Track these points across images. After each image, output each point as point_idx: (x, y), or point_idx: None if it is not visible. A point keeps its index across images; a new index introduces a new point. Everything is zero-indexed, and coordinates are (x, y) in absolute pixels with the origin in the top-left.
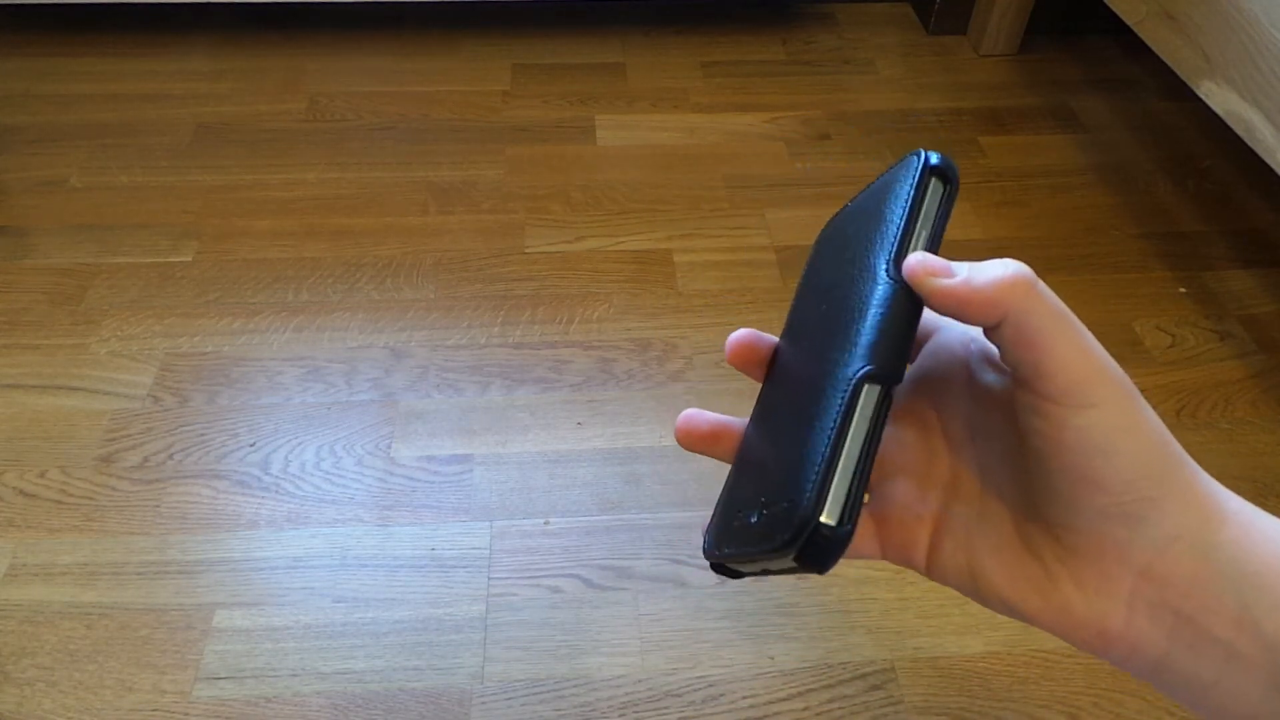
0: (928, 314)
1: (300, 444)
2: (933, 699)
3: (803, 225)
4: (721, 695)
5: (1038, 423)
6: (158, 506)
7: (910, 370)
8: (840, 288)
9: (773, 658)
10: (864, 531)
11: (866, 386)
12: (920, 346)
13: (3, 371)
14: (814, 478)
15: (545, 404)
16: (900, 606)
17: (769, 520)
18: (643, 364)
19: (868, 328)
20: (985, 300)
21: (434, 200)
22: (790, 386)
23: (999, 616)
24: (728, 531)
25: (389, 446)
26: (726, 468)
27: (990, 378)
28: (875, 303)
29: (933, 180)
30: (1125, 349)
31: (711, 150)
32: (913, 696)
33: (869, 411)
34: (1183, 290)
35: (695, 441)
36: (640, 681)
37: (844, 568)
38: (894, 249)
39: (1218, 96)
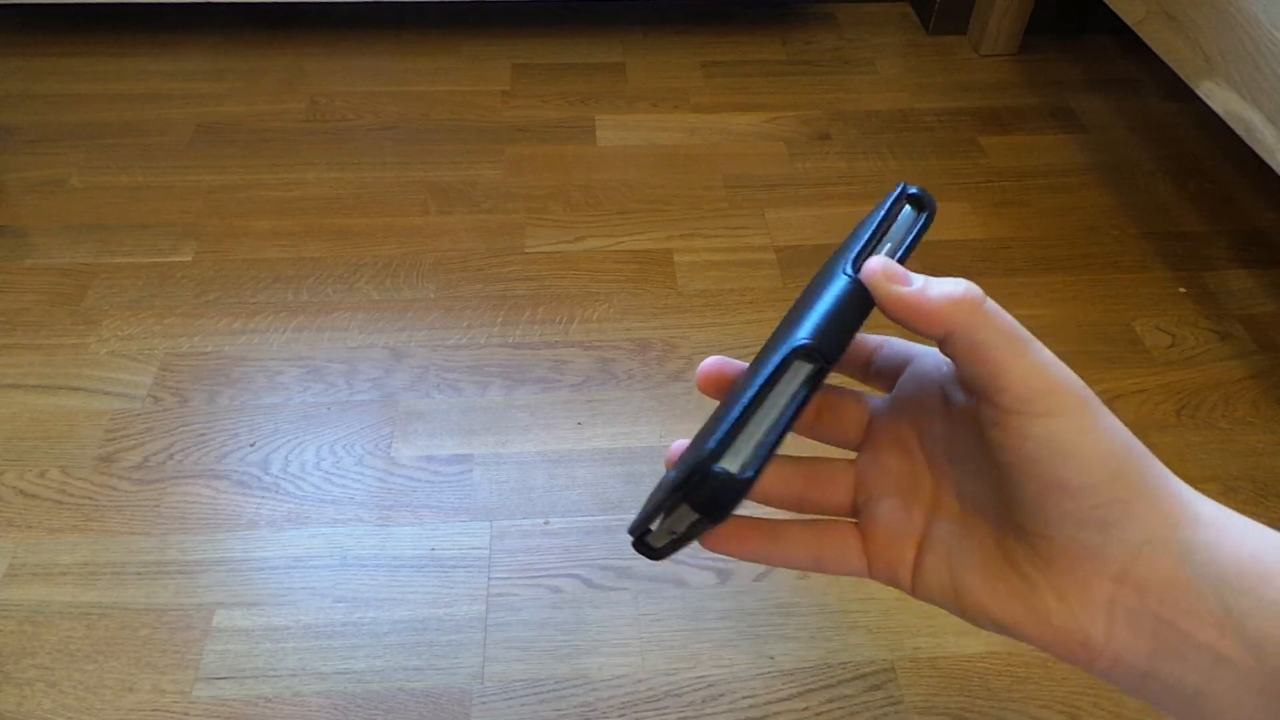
0: (906, 344)
1: (300, 444)
2: (933, 699)
3: (803, 225)
4: (721, 695)
5: (1000, 435)
6: (158, 506)
7: (891, 396)
8: (808, 293)
9: (773, 658)
10: (851, 547)
11: (796, 361)
12: (899, 374)
13: (3, 371)
14: (724, 429)
15: (545, 404)
16: (900, 607)
17: (676, 473)
18: (643, 364)
19: (815, 313)
20: (932, 313)
21: (434, 200)
22: (748, 373)
23: None
24: (648, 501)
25: (389, 446)
26: None
27: (960, 398)
28: (828, 294)
29: (906, 205)
30: (1125, 349)
31: (711, 150)
32: (913, 696)
33: (794, 382)
34: (1183, 290)
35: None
36: (640, 681)
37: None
38: (856, 253)
39: (1218, 96)
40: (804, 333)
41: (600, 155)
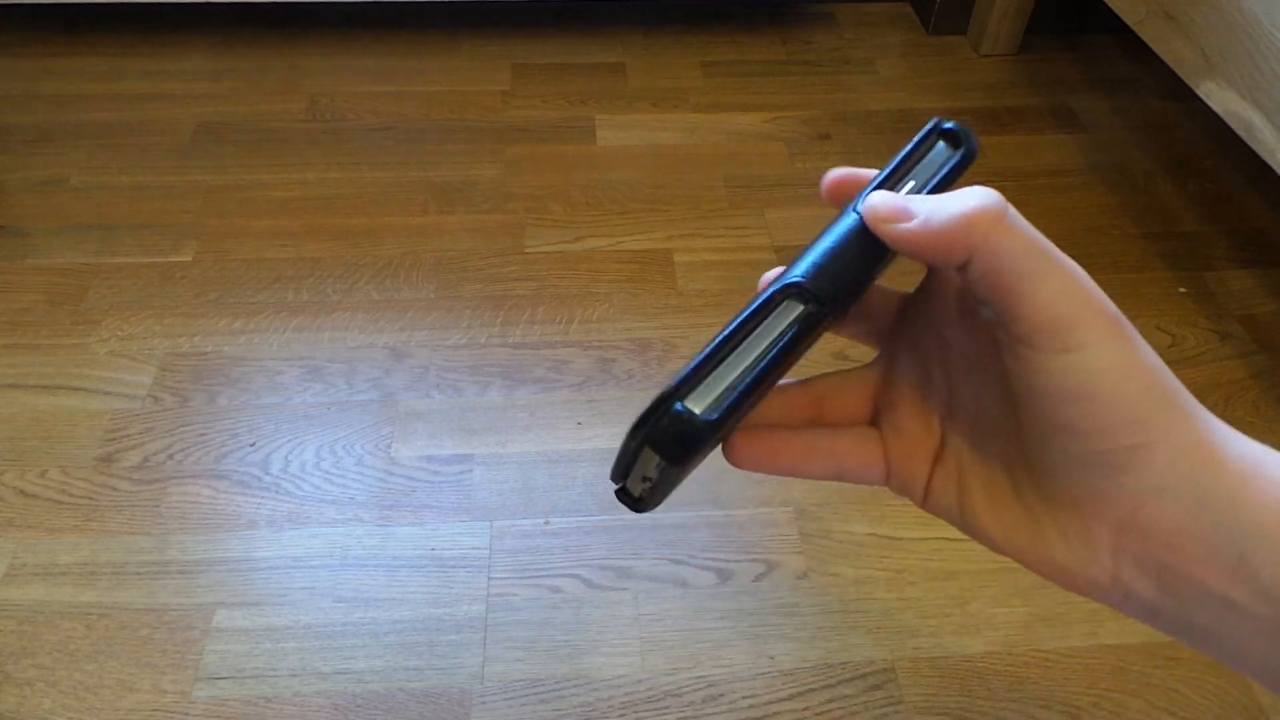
0: None
1: (300, 444)
2: (933, 699)
3: (803, 225)
4: (721, 695)
5: (1012, 364)
6: (158, 506)
7: (910, 295)
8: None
9: (773, 658)
10: (874, 455)
11: (786, 301)
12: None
13: (3, 371)
14: (691, 366)
15: (545, 404)
16: (900, 606)
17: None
18: (643, 364)
19: (815, 250)
20: (946, 241)
21: (434, 200)
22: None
23: (999, 616)
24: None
25: (389, 446)
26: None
27: (985, 309)
28: (833, 231)
29: (940, 141)
30: None
31: (711, 150)
32: (913, 696)
33: (781, 323)
34: (1183, 290)
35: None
36: (640, 681)
37: (844, 567)
38: (869, 190)
39: (1218, 96)
40: (798, 270)
41: (600, 155)
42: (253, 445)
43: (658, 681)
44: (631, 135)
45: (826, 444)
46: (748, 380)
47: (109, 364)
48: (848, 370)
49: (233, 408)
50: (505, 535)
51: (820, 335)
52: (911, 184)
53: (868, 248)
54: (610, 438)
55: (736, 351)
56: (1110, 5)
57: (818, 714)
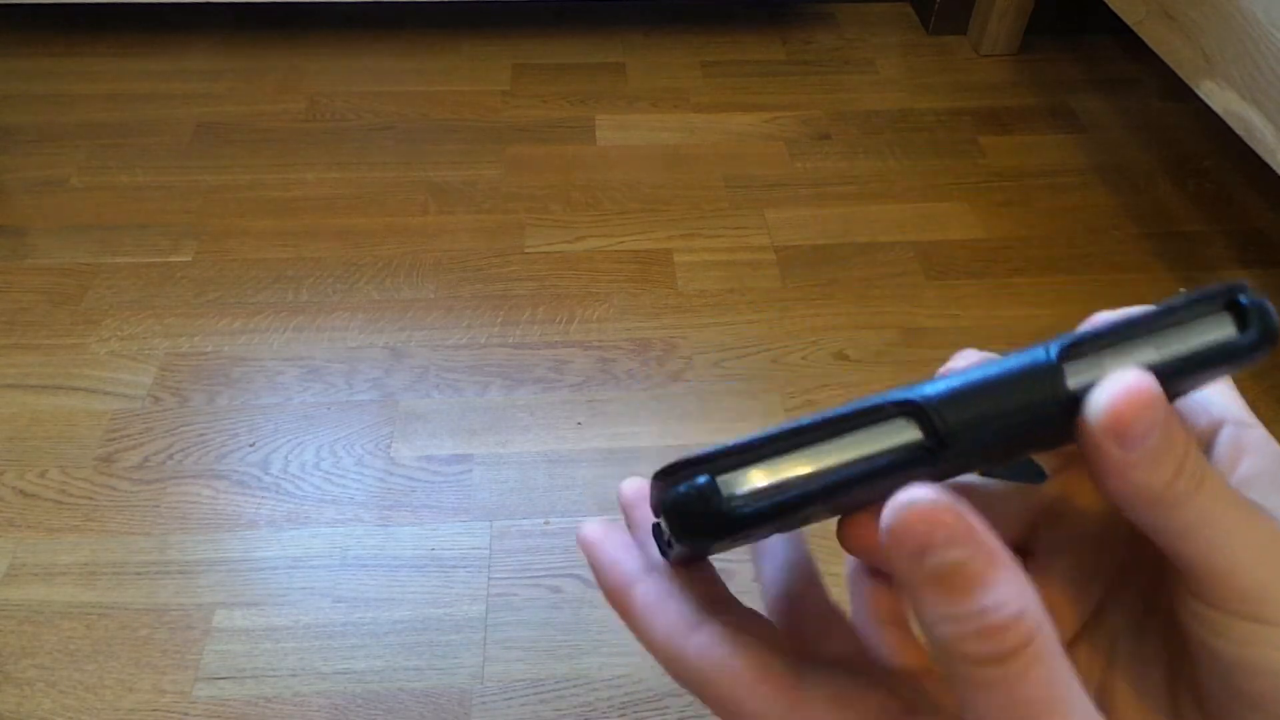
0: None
1: (300, 444)
2: None
3: (803, 225)
4: None
5: (1189, 620)
6: (158, 506)
7: (1069, 473)
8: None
9: None
10: None
11: (900, 418)
12: None
13: (3, 371)
14: (761, 436)
15: (545, 404)
16: None
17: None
18: (643, 364)
19: (970, 376)
20: (1151, 511)
21: (434, 200)
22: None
23: None
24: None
25: (389, 446)
26: None
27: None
28: (1006, 363)
29: (1222, 311)
30: None
31: (711, 150)
32: None
33: (881, 442)
34: (1183, 290)
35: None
36: (640, 681)
37: (843, 567)
38: (1087, 334)
39: (1218, 96)
40: (934, 389)
41: (600, 155)
42: (253, 445)
43: (658, 681)
44: (631, 135)
45: None
46: (813, 487)
47: (109, 364)
48: (1003, 486)
49: (233, 408)
50: (505, 535)
51: (931, 479)
52: (1152, 352)
53: (1035, 393)
54: (610, 438)
55: (815, 447)
56: (1110, 5)
57: None
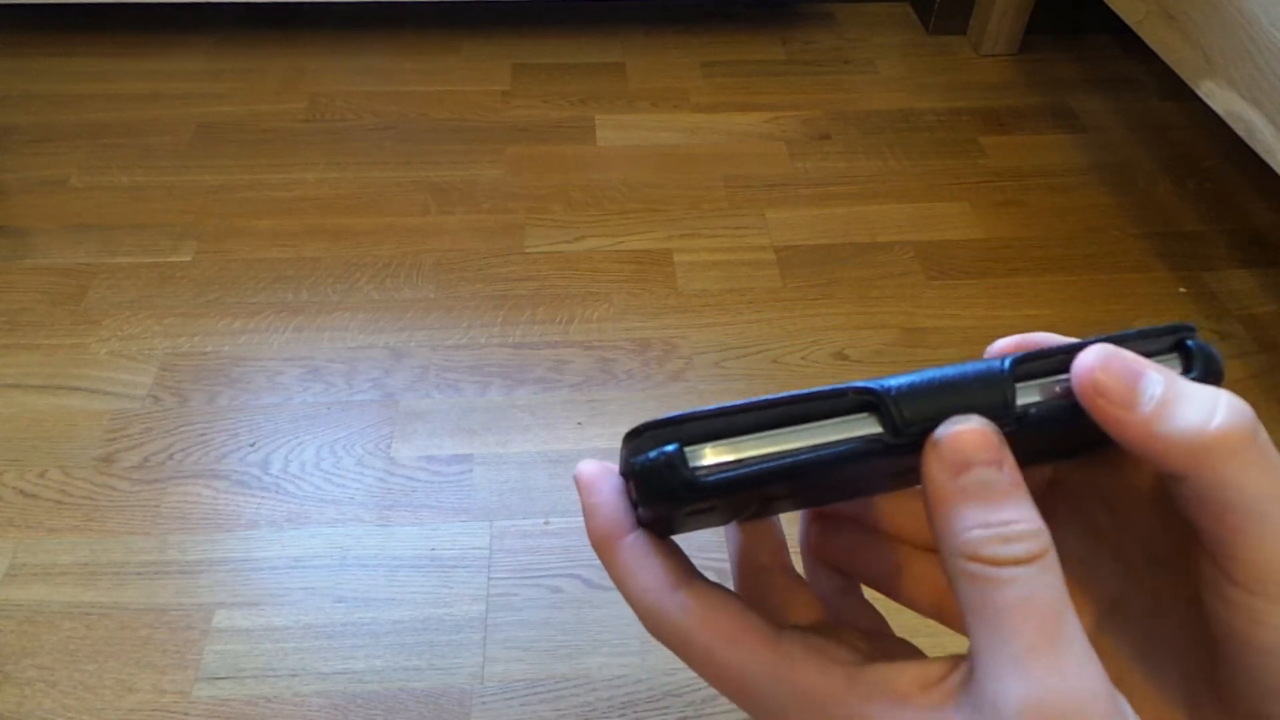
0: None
1: (300, 444)
2: None
3: (803, 225)
4: (722, 695)
5: (1218, 606)
6: (158, 506)
7: (1093, 461)
8: None
9: None
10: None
11: (863, 414)
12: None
13: (3, 371)
14: (721, 407)
15: (545, 404)
16: (899, 606)
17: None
18: (643, 364)
19: (932, 374)
20: (1173, 452)
21: (434, 200)
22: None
23: None
24: None
25: (389, 446)
26: None
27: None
28: (962, 367)
29: (1174, 353)
30: None
31: (711, 150)
32: None
33: (841, 432)
34: (1183, 290)
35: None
36: (640, 681)
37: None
38: (1037, 353)
39: (1218, 96)
40: (896, 382)
41: (600, 155)
42: (253, 445)
43: (658, 681)
44: (631, 135)
45: (922, 573)
46: (769, 466)
47: (109, 364)
48: None
49: (233, 408)
50: (505, 535)
51: (899, 477)
52: (1058, 385)
53: (983, 384)
54: (611, 437)
55: (780, 430)
56: (1110, 5)
57: None
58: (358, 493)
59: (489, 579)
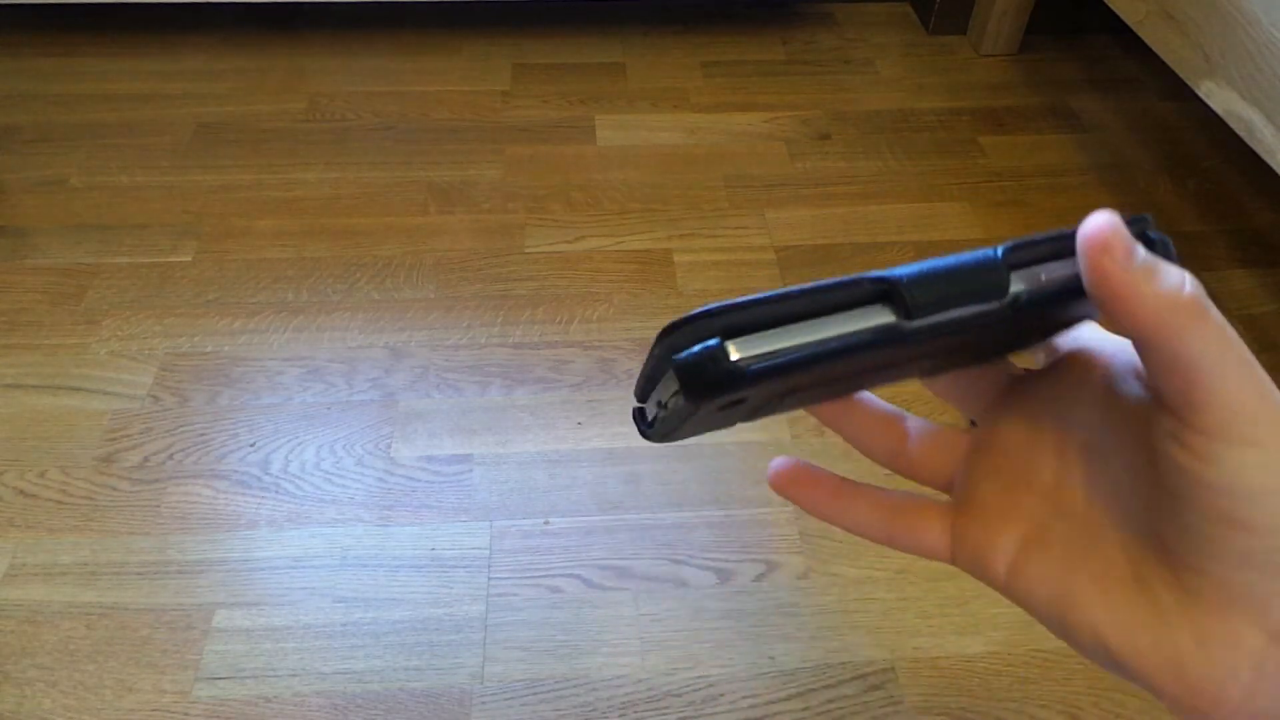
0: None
1: (300, 444)
2: (933, 699)
3: (803, 225)
4: (721, 695)
5: (1180, 455)
6: (158, 506)
7: (1030, 371)
8: None
9: (773, 658)
10: (930, 527)
11: (878, 304)
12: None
13: (3, 371)
14: (751, 300)
15: (545, 404)
16: (900, 606)
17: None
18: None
19: (942, 263)
20: (1141, 311)
21: (434, 200)
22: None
23: (999, 616)
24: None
25: (389, 446)
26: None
27: (1131, 389)
28: (960, 256)
29: (1140, 239)
30: None
31: (711, 150)
32: (913, 696)
33: (858, 322)
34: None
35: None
36: (640, 681)
37: (844, 567)
38: (1018, 243)
39: (1218, 96)
40: (907, 270)
41: (600, 155)
42: (253, 445)
43: (658, 681)
44: (631, 135)
45: (871, 500)
46: (800, 355)
47: (109, 364)
48: (940, 426)
49: (233, 408)
50: (505, 535)
51: (902, 366)
52: (1043, 272)
53: (978, 278)
54: (610, 437)
55: (806, 322)
56: (1110, 5)
57: (818, 714)
58: (358, 493)
59: (489, 579)
